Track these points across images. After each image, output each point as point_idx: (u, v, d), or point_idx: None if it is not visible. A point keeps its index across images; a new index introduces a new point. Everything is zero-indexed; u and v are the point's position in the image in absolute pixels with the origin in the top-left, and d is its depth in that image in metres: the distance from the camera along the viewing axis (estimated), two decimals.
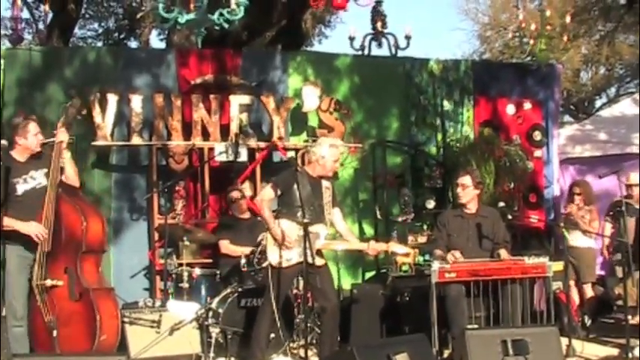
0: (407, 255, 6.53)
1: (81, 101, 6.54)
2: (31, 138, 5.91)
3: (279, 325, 5.98)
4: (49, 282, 5.67)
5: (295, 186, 5.88)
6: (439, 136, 9.62)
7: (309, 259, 5.62)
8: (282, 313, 6.07)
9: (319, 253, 5.99)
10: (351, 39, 9.03)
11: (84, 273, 5.74)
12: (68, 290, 5.70)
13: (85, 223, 5.78)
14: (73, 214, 5.80)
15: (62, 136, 5.93)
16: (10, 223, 5.71)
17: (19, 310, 5.73)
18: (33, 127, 5.93)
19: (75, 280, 5.70)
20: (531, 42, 10.03)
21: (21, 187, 5.85)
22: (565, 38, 11.42)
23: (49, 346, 5.57)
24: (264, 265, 6.02)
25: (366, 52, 9.49)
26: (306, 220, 5.64)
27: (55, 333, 5.53)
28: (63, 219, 5.78)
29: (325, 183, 6.20)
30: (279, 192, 6.05)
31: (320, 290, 6.01)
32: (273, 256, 5.94)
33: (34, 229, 5.67)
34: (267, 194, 6.10)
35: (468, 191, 6.91)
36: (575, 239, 8.03)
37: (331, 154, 6.14)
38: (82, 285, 5.69)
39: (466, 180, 6.93)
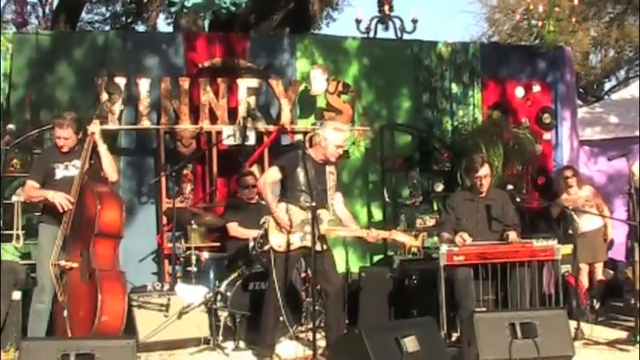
0: (405, 245, 6.50)
1: (120, 96, 6.65)
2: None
3: (282, 309, 5.93)
4: (63, 262, 5.78)
5: (300, 169, 5.86)
6: (447, 119, 9.60)
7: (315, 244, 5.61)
8: (288, 297, 6.07)
9: (322, 237, 5.94)
10: (358, 22, 8.99)
11: (96, 255, 5.80)
12: (80, 272, 5.78)
13: (99, 206, 5.84)
14: (90, 198, 5.89)
15: (93, 127, 6.08)
16: (41, 192, 5.98)
17: (47, 285, 5.89)
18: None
19: (87, 261, 5.77)
20: (539, 24, 9.94)
21: (60, 172, 6.06)
22: (573, 20, 11.32)
23: (63, 326, 5.66)
24: (265, 248, 6.00)
25: (371, 34, 9.44)
26: (313, 204, 5.62)
27: (65, 313, 5.62)
28: (82, 204, 5.90)
29: (329, 168, 6.11)
30: (284, 174, 5.99)
31: (323, 274, 5.94)
32: (274, 240, 5.91)
33: (59, 197, 5.84)
34: (270, 176, 6.04)
35: (489, 179, 6.90)
36: (585, 223, 7.94)
37: (335, 138, 6.02)
38: (91, 266, 5.74)
39: (487, 170, 6.89)
